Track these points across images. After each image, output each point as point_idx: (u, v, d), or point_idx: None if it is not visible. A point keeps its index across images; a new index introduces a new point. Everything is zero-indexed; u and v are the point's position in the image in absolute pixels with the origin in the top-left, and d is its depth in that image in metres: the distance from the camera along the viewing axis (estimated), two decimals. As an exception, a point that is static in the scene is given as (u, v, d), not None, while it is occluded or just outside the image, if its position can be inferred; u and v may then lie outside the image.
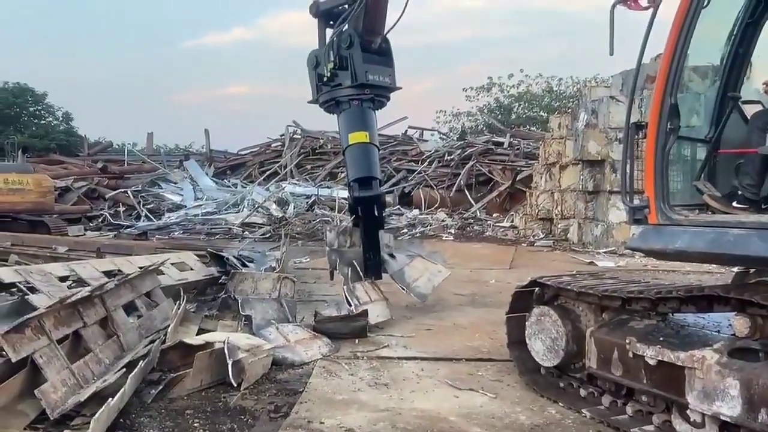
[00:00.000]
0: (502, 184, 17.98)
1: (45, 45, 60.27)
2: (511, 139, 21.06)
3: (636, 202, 3.71)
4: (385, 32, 6.09)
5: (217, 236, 14.74)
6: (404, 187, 18.83)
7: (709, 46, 4.04)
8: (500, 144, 20.82)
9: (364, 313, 5.54)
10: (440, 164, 19.85)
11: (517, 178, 17.50)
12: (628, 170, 3.78)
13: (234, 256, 7.66)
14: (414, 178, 19.45)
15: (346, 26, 6.01)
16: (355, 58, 5.90)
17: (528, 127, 27.35)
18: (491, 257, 11.30)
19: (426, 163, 20.03)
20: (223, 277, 7.09)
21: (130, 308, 5.05)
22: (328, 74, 6.03)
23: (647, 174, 3.62)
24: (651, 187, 3.58)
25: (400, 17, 5.92)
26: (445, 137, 25.16)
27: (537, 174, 15.30)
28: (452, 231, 15.30)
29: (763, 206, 3.56)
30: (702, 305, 3.55)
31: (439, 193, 18.25)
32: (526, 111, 32.30)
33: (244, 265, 7.38)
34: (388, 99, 6.31)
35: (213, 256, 7.56)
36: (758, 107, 4.05)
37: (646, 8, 3.55)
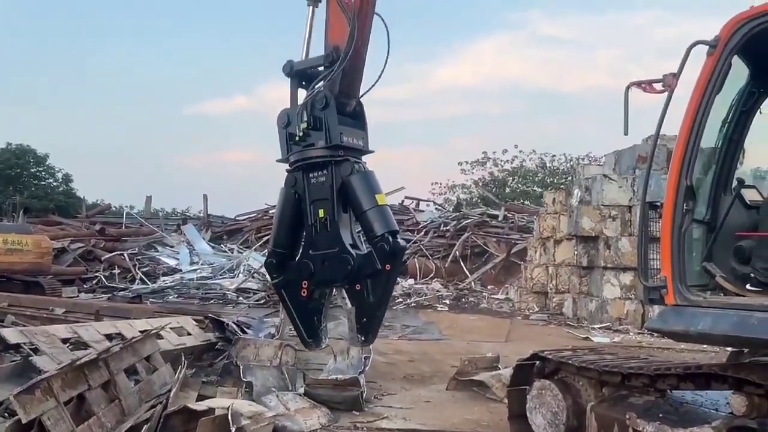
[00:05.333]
0: (497, 257, 18.14)
1: (47, 105, 61.56)
2: (506, 213, 21.39)
3: (652, 282, 3.77)
4: (359, 96, 6.29)
5: (212, 301, 14.70)
6: (400, 257, 18.95)
7: (710, 129, 4.25)
8: (495, 217, 21.14)
9: (356, 382, 5.54)
10: (436, 234, 20.06)
11: (512, 251, 17.68)
12: (643, 250, 3.87)
13: (233, 322, 7.69)
14: (410, 248, 19.61)
15: (322, 87, 6.17)
16: (330, 119, 6.01)
17: (522, 201, 27.80)
18: (487, 330, 11.30)
19: (422, 233, 20.25)
20: (220, 343, 7.10)
21: (129, 372, 5.06)
22: (301, 134, 6.12)
23: (664, 254, 3.70)
24: (668, 267, 3.65)
25: (375, 82, 6.12)
26: (440, 208, 25.52)
27: (532, 248, 15.49)
28: (447, 302, 15.33)
29: None
30: (700, 383, 3.63)
31: (435, 263, 18.35)
32: (520, 185, 32.92)
33: (243, 332, 7.40)
34: (361, 161, 6.34)
35: (213, 322, 7.59)
36: (754, 192, 4.25)
37: (661, 92, 3.70)
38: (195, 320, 7.68)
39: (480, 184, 33.33)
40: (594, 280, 12.60)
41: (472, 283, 17.47)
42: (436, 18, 52.42)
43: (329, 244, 6.10)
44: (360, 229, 6.19)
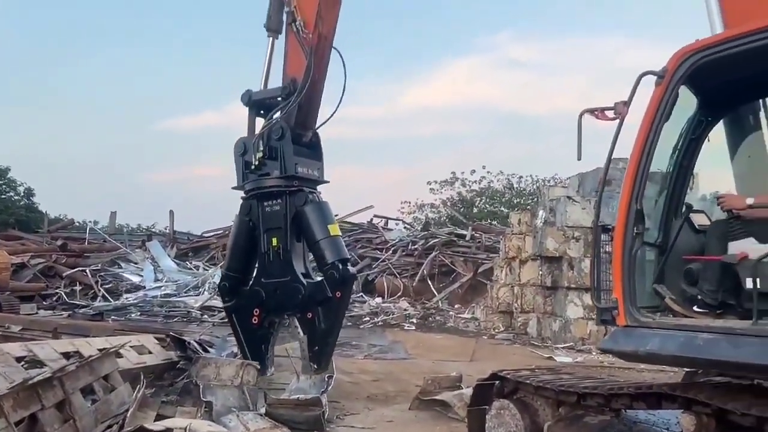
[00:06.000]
0: (464, 276, 18.28)
1: (8, 116, 60.39)
2: (473, 233, 21.59)
3: (604, 303, 3.87)
4: (316, 127, 6.35)
5: (176, 319, 14.47)
6: (368, 275, 18.96)
7: (661, 155, 4.41)
8: (462, 236, 21.31)
9: (318, 402, 5.53)
10: (404, 253, 20.12)
11: (479, 271, 17.84)
12: (596, 272, 3.99)
13: (195, 341, 7.59)
14: (378, 266, 19.63)
15: (278, 118, 6.22)
16: (285, 149, 6.05)
17: (489, 221, 28.10)
18: (453, 349, 11.36)
19: (390, 251, 20.30)
20: (181, 362, 7.00)
21: (86, 391, 4.96)
22: (257, 163, 6.17)
23: (615, 276, 3.81)
24: (619, 289, 3.76)
25: (331, 115, 6.22)
26: (409, 227, 25.64)
27: (498, 267, 15.65)
28: (414, 321, 15.37)
29: (718, 311, 3.77)
30: (651, 402, 3.72)
31: (402, 282, 18.40)
32: (488, 206, 33.28)
33: (206, 350, 7.31)
34: (316, 192, 6.38)
35: (174, 340, 7.48)
36: (702, 216, 4.41)
37: (613, 119, 3.84)
38: (156, 338, 7.55)
39: (448, 203, 33.59)
40: (558, 300, 12.78)
41: (440, 302, 17.55)
42: (409, 39, 53.07)
43: (281, 273, 6.10)
44: (312, 257, 6.21)
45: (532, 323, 13.52)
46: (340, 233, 6.13)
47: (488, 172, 33.96)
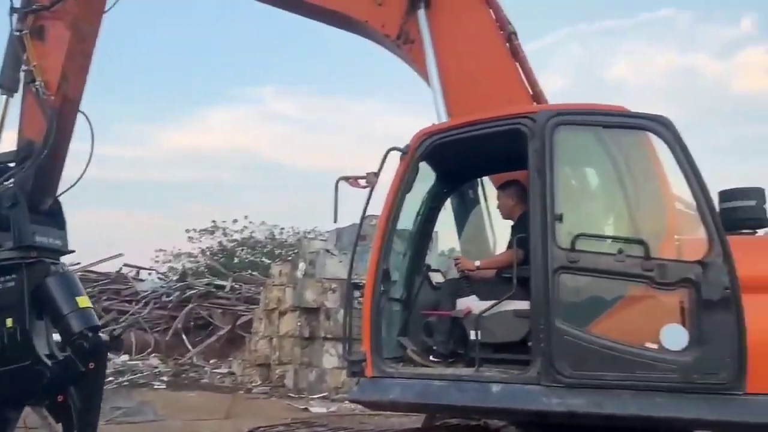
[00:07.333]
0: (222, 329, 17.81)
1: None
2: (233, 283, 21.22)
3: (354, 356, 4.14)
4: (58, 194, 5.84)
5: None
6: (114, 330, 17.42)
7: (409, 217, 4.91)
8: (222, 287, 20.80)
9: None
10: (156, 305, 18.97)
11: (238, 323, 17.54)
12: (347, 326, 4.27)
13: None
14: (126, 320, 18.18)
15: (11, 185, 5.61)
16: (19, 218, 5.46)
17: (250, 272, 27.89)
18: (206, 407, 10.93)
19: (141, 303, 18.97)
20: None
21: None
22: None
23: (364, 330, 4.09)
24: (368, 342, 4.05)
25: (75, 182, 5.76)
26: (163, 277, 24.26)
27: (257, 319, 15.57)
28: (165, 378, 14.49)
29: (450, 360, 4.25)
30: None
31: (154, 337, 17.30)
32: (249, 256, 33.03)
33: None
34: (59, 263, 5.84)
35: None
36: (439, 275, 5.00)
37: (365, 187, 4.25)
38: None
39: (208, 253, 32.60)
40: (315, 351, 13.11)
41: (194, 357, 16.81)
42: (173, 81, 51.10)
43: (20, 357, 5.24)
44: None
45: (289, 375, 13.63)
46: (91, 305, 5.54)
47: (250, 222, 33.81)
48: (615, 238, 3.86)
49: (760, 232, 4.07)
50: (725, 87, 46.83)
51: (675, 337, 3.46)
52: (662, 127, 3.67)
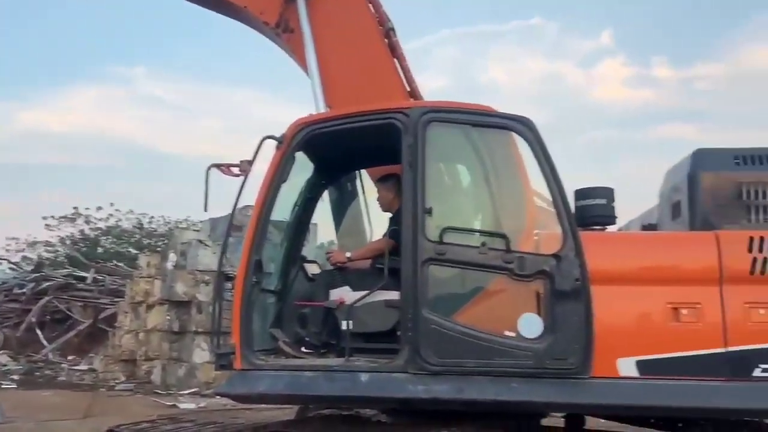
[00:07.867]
0: (82, 323, 16.69)
1: None
2: (96, 275, 19.93)
3: (223, 348, 4.02)
4: None
5: None
6: (-45, 326, 15.81)
7: (286, 207, 4.84)
8: (83, 279, 19.48)
9: None
10: (7, 298, 17.45)
11: (100, 317, 16.53)
12: (216, 318, 4.14)
13: None
14: (-30, 315, 16.54)
15: None
16: None
17: (115, 263, 26.34)
18: (63, 406, 10.20)
19: (-11, 296, 17.33)
20: None
21: None
22: None
23: (234, 322, 3.99)
24: (237, 334, 3.96)
25: None
26: (16, 268, 22.31)
27: (122, 313, 14.76)
28: (16, 377, 13.38)
29: (322, 351, 4.26)
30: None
31: (4, 332, 15.91)
32: (115, 246, 31.12)
33: None
34: None
35: None
36: (315, 266, 4.99)
37: (238, 176, 4.13)
38: None
39: (68, 242, 30.34)
40: (185, 345, 12.63)
41: (50, 353, 15.64)
42: (29, 56, 46.49)
43: None
44: None
45: (156, 371, 13.03)
46: None
47: (117, 209, 31.85)
48: (480, 232, 4.04)
49: (610, 228, 4.44)
50: (585, 94, 50.71)
51: (531, 325, 3.70)
52: (524, 127, 3.89)
